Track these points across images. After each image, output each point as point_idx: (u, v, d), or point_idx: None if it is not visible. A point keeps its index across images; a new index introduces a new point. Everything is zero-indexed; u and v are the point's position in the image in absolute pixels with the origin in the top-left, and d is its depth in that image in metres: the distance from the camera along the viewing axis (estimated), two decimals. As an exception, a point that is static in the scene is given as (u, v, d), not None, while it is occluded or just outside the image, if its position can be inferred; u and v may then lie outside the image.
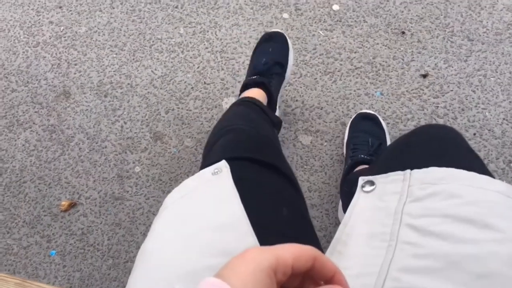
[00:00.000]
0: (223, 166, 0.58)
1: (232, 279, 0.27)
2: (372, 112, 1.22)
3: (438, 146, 0.60)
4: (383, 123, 1.21)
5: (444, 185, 0.49)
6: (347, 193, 1.05)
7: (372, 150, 1.10)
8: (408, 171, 0.53)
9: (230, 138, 0.71)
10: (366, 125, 1.19)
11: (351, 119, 1.23)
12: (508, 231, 0.42)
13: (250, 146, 0.70)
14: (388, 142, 1.18)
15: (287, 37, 1.20)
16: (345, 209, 1.08)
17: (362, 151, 1.10)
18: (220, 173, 0.57)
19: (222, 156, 0.61)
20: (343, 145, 1.24)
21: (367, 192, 0.53)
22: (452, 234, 0.43)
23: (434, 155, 0.58)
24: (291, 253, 0.31)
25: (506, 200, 0.46)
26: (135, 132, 1.35)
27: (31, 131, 1.40)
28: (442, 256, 0.41)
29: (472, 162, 0.58)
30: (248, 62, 1.39)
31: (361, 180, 0.55)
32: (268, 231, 0.52)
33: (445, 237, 0.43)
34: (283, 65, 1.16)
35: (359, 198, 0.53)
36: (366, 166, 1.07)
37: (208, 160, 0.64)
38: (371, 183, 0.54)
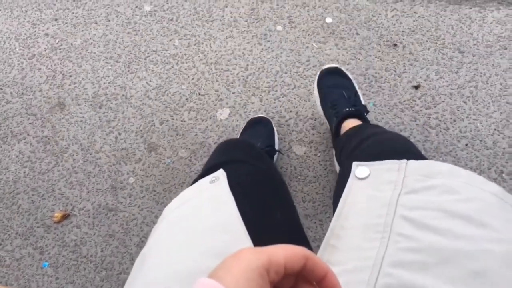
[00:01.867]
0: (220, 174, 0.59)
1: (226, 278, 0.28)
2: (334, 65, 1.21)
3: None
4: (347, 72, 1.21)
5: (441, 180, 0.49)
6: (341, 154, 1.03)
7: (351, 101, 1.10)
8: (404, 161, 0.52)
9: (229, 143, 0.73)
10: (334, 80, 1.18)
11: (316, 78, 1.21)
12: (503, 231, 0.42)
13: (247, 152, 0.72)
14: (358, 90, 1.18)
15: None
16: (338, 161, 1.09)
17: (343, 105, 1.09)
18: (218, 181, 0.58)
19: (219, 159, 0.62)
20: (316, 106, 1.23)
21: (361, 179, 0.53)
22: (446, 229, 0.42)
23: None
24: (283, 253, 0.31)
25: (501, 203, 0.46)
26: (130, 143, 1.36)
27: (25, 142, 1.40)
28: (436, 251, 0.41)
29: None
30: (242, 73, 1.40)
31: (355, 165, 0.55)
32: (262, 234, 0.52)
33: (441, 232, 0.42)
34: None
35: (353, 186, 0.52)
36: (353, 118, 1.07)
37: (207, 165, 0.65)
38: (365, 169, 0.54)
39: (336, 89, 1.15)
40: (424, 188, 0.48)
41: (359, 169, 0.54)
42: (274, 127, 1.28)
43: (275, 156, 1.23)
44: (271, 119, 1.31)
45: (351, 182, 0.53)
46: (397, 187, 0.49)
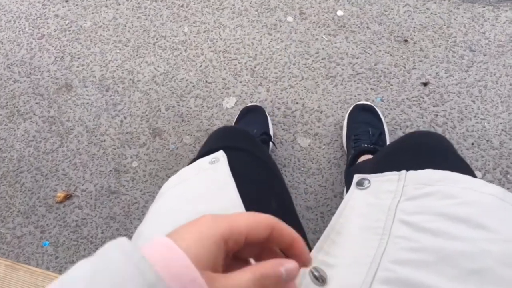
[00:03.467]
0: (220, 155, 0.59)
1: (177, 242, 0.27)
2: (369, 103, 1.25)
3: (428, 151, 0.61)
4: (380, 113, 1.24)
5: (440, 187, 0.49)
6: (351, 183, 1.05)
7: (373, 139, 1.12)
8: (403, 171, 0.53)
9: (227, 130, 0.73)
10: (365, 116, 1.21)
11: (349, 111, 1.25)
12: (501, 232, 0.42)
13: (245, 140, 0.71)
14: (386, 132, 1.21)
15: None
16: None
17: (364, 140, 1.13)
18: (218, 162, 0.58)
19: (218, 144, 0.62)
20: (342, 137, 1.25)
21: (362, 189, 0.54)
22: (445, 231, 0.43)
23: (425, 160, 0.59)
24: (245, 222, 0.30)
25: (500, 203, 0.47)
26: (135, 127, 1.36)
27: (31, 121, 1.40)
28: (434, 251, 0.41)
29: (460, 166, 0.58)
30: (251, 63, 1.40)
31: (356, 178, 0.56)
32: None
33: (438, 234, 0.43)
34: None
35: (353, 193, 0.53)
36: (370, 155, 1.08)
37: (205, 147, 0.65)
38: (366, 181, 0.54)
39: (363, 125, 1.19)
40: (423, 194, 0.49)
41: (359, 180, 0.55)
42: (267, 115, 1.29)
43: (270, 144, 1.23)
44: (277, 110, 1.30)
45: (352, 190, 0.54)
46: (396, 196, 0.50)
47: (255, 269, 0.28)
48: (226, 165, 0.57)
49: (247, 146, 0.68)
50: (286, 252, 0.33)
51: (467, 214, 0.44)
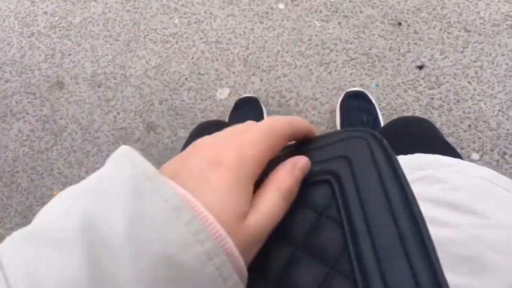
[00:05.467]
0: None
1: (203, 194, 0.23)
2: (360, 89, 1.24)
3: (413, 137, 0.60)
4: (372, 99, 1.22)
5: (430, 171, 0.48)
6: None
7: (369, 126, 1.10)
8: None
9: (207, 124, 0.72)
10: (356, 103, 1.20)
11: (340, 100, 1.24)
12: (492, 217, 0.41)
13: None
14: (380, 117, 1.20)
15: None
16: None
17: None
18: None
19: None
20: (336, 127, 1.23)
21: None
22: (435, 218, 0.42)
23: (411, 145, 0.58)
24: (304, 124, 0.29)
25: (491, 186, 0.45)
26: (128, 123, 1.34)
27: (24, 121, 1.39)
28: None
29: (447, 151, 0.57)
30: (243, 53, 1.38)
31: None
32: None
33: (428, 220, 0.42)
34: None
35: None
36: None
37: (187, 144, 0.63)
38: None
39: (357, 112, 1.17)
40: (412, 180, 0.48)
41: None
42: (262, 105, 1.27)
43: None
44: (271, 99, 1.29)
45: None
46: None
47: (276, 186, 0.26)
48: None
49: None
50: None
51: (458, 200, 0.43)
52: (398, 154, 0.52)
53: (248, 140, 0.25)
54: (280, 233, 0.26)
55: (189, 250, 0.20)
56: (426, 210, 0.43)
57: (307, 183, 0.28)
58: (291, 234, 0.26)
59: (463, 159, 0.55)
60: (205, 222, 0.21)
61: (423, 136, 0.60)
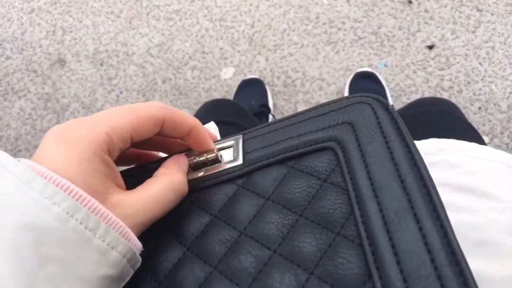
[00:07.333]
0: (212, 127, 0.57)
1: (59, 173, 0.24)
2: (370, 70, 1.21)
3: (434, 119, 0.58)
4: (382, 80, 1.20)
5: (445, 156, 0.46)
6: None
7: None
8: None
9: (219, 102, 0.70)
10: (365, 84, 1.18)
11: (349, 79, 1.21)
12: (509, 200, 0.40)
13: (238, 114, 0.69)
14: (390, 98, 1.18)
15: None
16: None
17: None
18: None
19: (208, 117, 0.59)
20: None
21: None
22: (450, 202, 0.41)
23: (431, 128, 0.56)
24: (129, 122, 0.27)
25: (507, 170, 0.44)
26: (131, 102, 1.32)
27: (26, 99, 1.37)
28: None
29: (470, 134, 0.55)
30: (248, 31, 1.35)
31: None
32: None
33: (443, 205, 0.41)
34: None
35: None
36: None
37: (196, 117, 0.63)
38: None
39: (366, 93, 1.14)
40: (427, 165, 0.47)
41: None
42: (266, 87, 1.25)
43: (270, 116, 1.20)
44: (277, 79, 1.26)
45: None
46: None
47: (168, 177, 0.28)
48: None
49: (237, 120, 0.65)
50: (185, 141, 0.31)
51: (473, 184, 0.42)
52: (416, 138, 0.50)
53: (105, 115, 0.27)
54: (284, 201, 0.26)
55: (48, 212, 0.21)
56: (442, 195, 0.41)
57: (310, 151, 0.28)
58: (294, 203, 0.26)
59: (483, 140, 0.54)
60: (61, 186, 0.22)
61: (443, 118, 0.58)
